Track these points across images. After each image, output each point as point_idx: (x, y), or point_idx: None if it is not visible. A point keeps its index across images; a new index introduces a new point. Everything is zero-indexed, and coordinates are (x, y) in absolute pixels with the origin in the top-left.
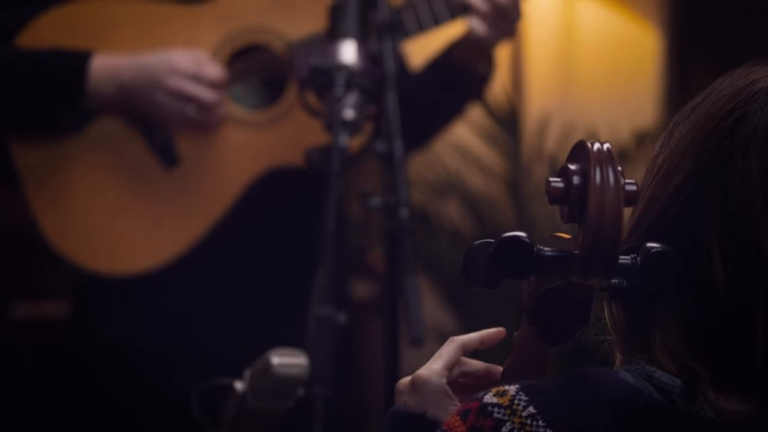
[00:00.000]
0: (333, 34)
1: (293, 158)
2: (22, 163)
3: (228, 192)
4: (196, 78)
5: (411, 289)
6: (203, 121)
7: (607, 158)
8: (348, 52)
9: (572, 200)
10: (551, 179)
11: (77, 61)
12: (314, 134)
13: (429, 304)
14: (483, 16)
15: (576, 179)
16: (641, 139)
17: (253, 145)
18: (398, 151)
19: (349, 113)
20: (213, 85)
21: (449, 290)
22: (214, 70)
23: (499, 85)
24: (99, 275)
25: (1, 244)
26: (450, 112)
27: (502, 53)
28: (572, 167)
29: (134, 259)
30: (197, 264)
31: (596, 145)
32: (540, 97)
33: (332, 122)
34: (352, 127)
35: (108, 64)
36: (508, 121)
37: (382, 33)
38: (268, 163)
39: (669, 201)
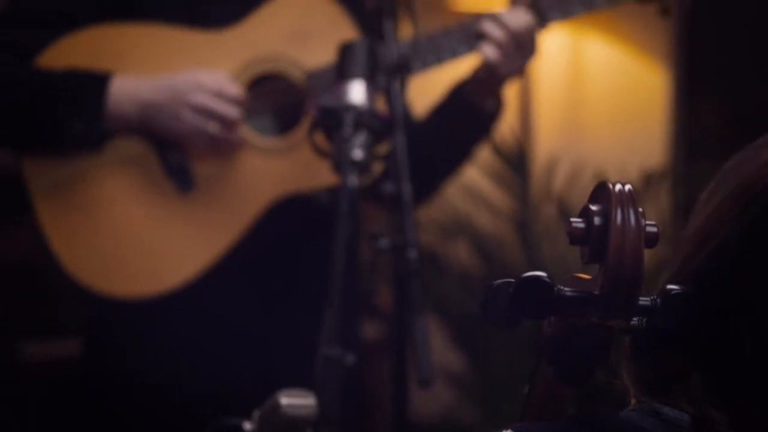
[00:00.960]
0: (342, 74)
1: (309, 185)
2: (34, 185)
3: (243, 218)
4: (220, 95)
5: (419, 329)
6: (223, 140)
7: (628, 199)
8: (357, 92)
9: (593, 241)
10: (572, 219)
11: (96, 82)
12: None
13: (437, 344)
14: (498, 44)
15: (597, 220)
16: (650, 178)
17: (269, 171)
18: (406, 192)
19: (357, 153)
20: (235, 102)
21: (457, 331)
22: (236, 88)
23: (507, 125)
24: (110, 298)
25: (10, 282)
26: (459, 154)
27: (510, 93)
28: (593, 208)
29: (145, 282)
30: (209, 293)
31: (618, 186)
32: (548, 137)
33: (341, 163)
34: (361, 167)
35: (128, 85)
36: (516, 161)
37: (391, 73)
38: (284, 189)
39: (715, 248)
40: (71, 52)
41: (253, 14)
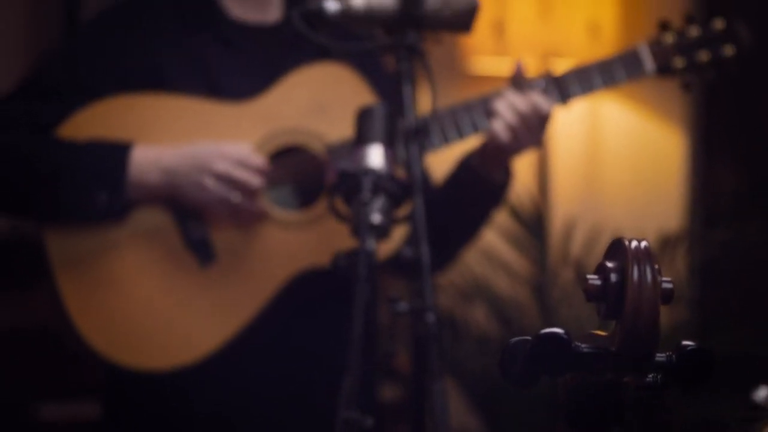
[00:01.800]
0: (360, 139)
1: (329, 260)
2: (56, 256)
3: (262, 293)
4: (242, 164)
5: (437, 393)
6: (245, 209)
7: (644, 256)
8: (375, 156)
9: (609, 297)
10: (589, 276)
11: (118, 151)
12: (351, 236)
13: (455, 408)
14: (508, 126)
15: (613, 276)
16: (667, 242)
17: (290, 245)
18: (425, 255)
19: (376, 217)
20: (258, 172)
21: (475, 394)
22: (259, 158)
23: (524, 189)
24: (129, 370)
25: (29, 344)
26: (471, 223)
27: (528, 157)
28: (610, 264)
29: (166, 356)
30: (229, 364)
31: (634, 243)
32: (566, 201)
33: (359, 227)
34: (380, 231)
35: (150, 154)
36: (534, 225)
37: (409, 138)
38: (304, 263)
39: None
40: (92, 123)
41: (274, 86)
